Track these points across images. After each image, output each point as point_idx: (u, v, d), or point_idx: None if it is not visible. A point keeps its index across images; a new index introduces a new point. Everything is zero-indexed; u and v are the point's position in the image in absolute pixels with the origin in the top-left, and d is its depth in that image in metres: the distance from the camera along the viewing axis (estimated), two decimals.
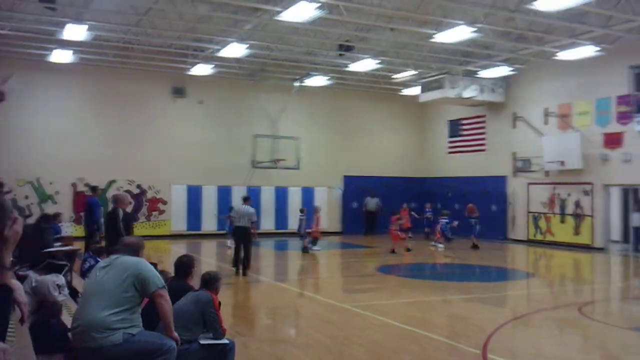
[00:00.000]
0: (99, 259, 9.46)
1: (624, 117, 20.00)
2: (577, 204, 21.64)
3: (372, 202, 26.76)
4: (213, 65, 22.76)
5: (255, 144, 23.97)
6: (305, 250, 19.33)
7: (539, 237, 23.08)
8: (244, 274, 14.26)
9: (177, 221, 24.31)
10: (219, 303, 5.93)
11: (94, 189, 16.63)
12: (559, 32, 18.32)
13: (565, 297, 12.72)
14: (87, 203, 15.38)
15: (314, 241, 20.00)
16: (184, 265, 6.38)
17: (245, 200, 15.66)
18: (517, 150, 24.09)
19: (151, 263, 7.19)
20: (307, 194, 26.45)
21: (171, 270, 6.83)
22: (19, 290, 4.13)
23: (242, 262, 14.30)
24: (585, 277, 16.57)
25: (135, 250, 5.30)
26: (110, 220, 10.34)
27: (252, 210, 14.72)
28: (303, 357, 7.38)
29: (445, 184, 27.77)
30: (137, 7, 17.00)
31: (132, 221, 10.81)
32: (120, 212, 10.32)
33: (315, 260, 18.78)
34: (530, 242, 23.33)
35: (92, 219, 14.61)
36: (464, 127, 27.00)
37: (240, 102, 25.44)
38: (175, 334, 5.10)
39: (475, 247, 21.01)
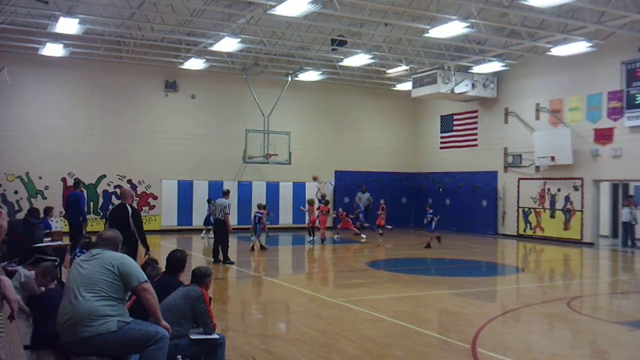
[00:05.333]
0: None
1: (614, 113, 20.11)
2: (567, 199, 21.78)
3: (363, 197, 26.80)
4: (205, 60, 22.69)
5: (247, 138, 23.94)
6: (263, 248, 18.65)
7: (529, 232, 23.22)
8: (223, 262, 15.14)
9: (168, 216, 24.27)
10: (210, 298, 5.94)
11: (76, 183, 16.48)
12: (552, 27, 18.38)
13: (555, 292, 12.80)
14: (73, 197, 15.24)
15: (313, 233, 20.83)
16: (176, 261, 6.37)
17: (225, 194, 16.29)
18: (508, 146, 24.21)
19: (150, 259, 7.21)
20: (299, 189, 26.46)
21: (162, 265, 6.83)
22: (9, 287, 4.13)
23: (219, 252, 15.41)
24: (574, 272, 16.68)
25: (115, 245, 5.28)
26: (118, 217, 9.97)
27: (225, 202, 15.50)
28: (294, 352, 7.40)
29: (437, 179, 27.89)
30: (130, 0, 16.90)
31: (140, 217, 10.52)
32: (129, 209, 10.08)
33: (306, 255, 18.81)
34: (520, 237, 23.47)
35: (77, 213, 14.53)
36: (456, 122, 27.08)
37: (232, 96, 25.39)
38: (165, 323, 5.14)
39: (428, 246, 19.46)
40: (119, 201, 10.76)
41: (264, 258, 18.16)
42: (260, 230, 18.73)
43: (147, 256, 10.05)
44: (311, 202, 22.00)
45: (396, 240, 22.89)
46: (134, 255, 9.23)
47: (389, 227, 23.70)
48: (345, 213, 22.99)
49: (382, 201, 23.91)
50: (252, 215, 19.29)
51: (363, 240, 21.59)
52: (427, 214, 19.76)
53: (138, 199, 23.89)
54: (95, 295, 4.81)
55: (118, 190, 23.17)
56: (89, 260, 5.05)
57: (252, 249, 18.34)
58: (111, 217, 10.27)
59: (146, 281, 5.05)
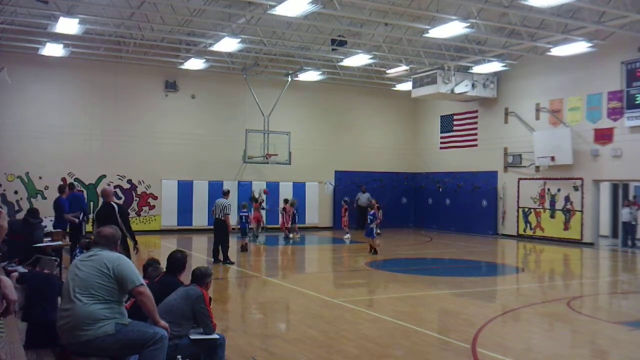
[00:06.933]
0: None
1: (614, 113, 20.11)
2: (567, 199, 21.77)
3: (363, 197, 26.80)
4: (205, 60, 22.69)
5: (247, 138, 23.95)
6: (244, 249, 17.98)
7: (529, 232, 23.22)
8: (223, 262, 15.11)
9: (168, 216, 24.26)
10: (210, 298, 5.94)
11: (71, 185, 16.31)
12: (552, 27, 18.38)
13: (555, 292, 12.80)
14: (74, 197, 15.17)
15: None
16: (177, 262, 6.37)
17: (225, 194, 16.23)
18: (508, 146, 24.21)
19: (152, 259, 7.21)
20: (299, 189, 26.47)
21: (162, 265, 6.83)
22: (9, 287, 4.13)
23: (219, 252, 15.35)
24: (574, 272, 16.68)
25: (114, 242, 5.26)
26: (107, 216, 10.03)
27: (225, 202, 15.41)
28: (294, 351, 7.40)
29: (437, 179, 27.91)
30: (130, 0, 16.90)
31: (127, 213, 10.66)
32: (115, 206, 10.24)
33: (305, 255, 18.79)
34: (520, 237, 23.46)
35: (82, 211, 14.50)
36: (456, 122, 27.08)
37: (232, 96, 25.39)
38: (164, 323, 5.13)
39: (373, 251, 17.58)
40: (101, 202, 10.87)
41: (263, 258, 18.17)
42: (249, 231, 18.67)
43: (136, 250, 10.25)
44: (293, 203, 22.49)
45: (396, 240, 22.89)
46: (127, 253, 9.34)
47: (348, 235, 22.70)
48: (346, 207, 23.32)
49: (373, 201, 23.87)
50: (238, 217, 19.11)
51: (346, 238, 22.15)
52: (367, 215, 17.86)
53: (138, 199, 23.91)
54: (92, 298, 4.80)
55: (117, 189, 23.22)
56: (86, 262, 5.03)
57: (246, 249, 18.10)
58: (99, 218, 10.36)
59: (142, 284, 5.00)
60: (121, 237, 5.56)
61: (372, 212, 17.70)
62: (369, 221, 17.64)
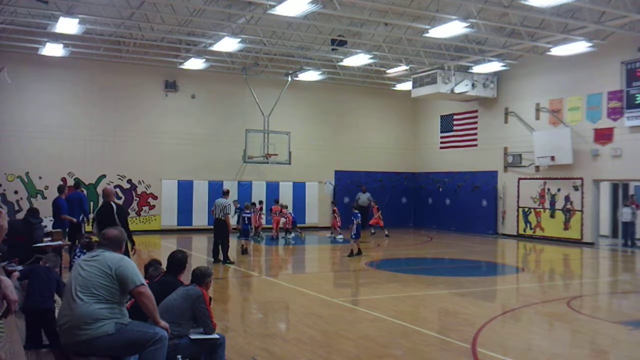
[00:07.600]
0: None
1: (614, 113, 20.12)
2: (567, 199, 21.77)
3: (363, 197, 26.81)
4: (205, 60, 22.69)
5: (247, 138, 23.96)
6: (245, 252, 17.64)
7: (529, 232, 23.22)
8: (223, 262, 15.12)
9: (168, 216, 24.26)
10: (210, 298, 5.94)
11: (77, 184, 16.32)
12: (552, 27, 18.38)
13: (555, 292, 12.80)
14: (75, 197, 15.16)
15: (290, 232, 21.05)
16: (177, 262, 6.37)
17: (225, 194, 16.25)
18: (508, 145, 24.22)
19: (153, 260, 7.21)
20: (299, 189, 26.47)
21: (163, 265, 6.84)
22: (10, 287, 4.13)
23: (219, 251, 15.35)
24: (574, 272, 16.67)
25: (118, 244, 5.28)
26: (107, 215, 10.15)
27: (225, 202, 15.41)
28: (294, 351, 7.40)
29: (437, 179, 27.92)
30: (130, 0, 16.90)
31: (125, 213, 10.71)
32: (114, 206, 10.33)
33: (305, 254, 18.76)
34: (520, 236, 23.47)
35: (79, 212, 14.50)
36: (456, 122, 27.08)
37: (232, 96, 25.39)
38: (164, 323, 5.14)
39: (351, 254, 16.87)
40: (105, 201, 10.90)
41: (263, 258, 18.16)
42: (251, 232, 18.62)
43: (133, 252, 10.29)
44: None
45: (396, 240, 22.89)
46: (127, 254, 9.37)
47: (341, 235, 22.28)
48: (377, 206, 23.64)
49: (372, 202, 23.93)
50: (241, 217, 19.06)
51: (338, 237, 22.22)
52: (351, 216, 17.25)
53: (138, 199, 23.92)
54: (93, 298, 4.82)
55: (117, 189, 23.21)
56: (89, 262, 5.06)
57: (247, 251, 17.93)
58: (99, 217, 10.41)
59: (142, 284, 5.03)
60: (125, 238, 5.58)
61: (355, 212, 17.41)
62: (353, 222, 17.03)
